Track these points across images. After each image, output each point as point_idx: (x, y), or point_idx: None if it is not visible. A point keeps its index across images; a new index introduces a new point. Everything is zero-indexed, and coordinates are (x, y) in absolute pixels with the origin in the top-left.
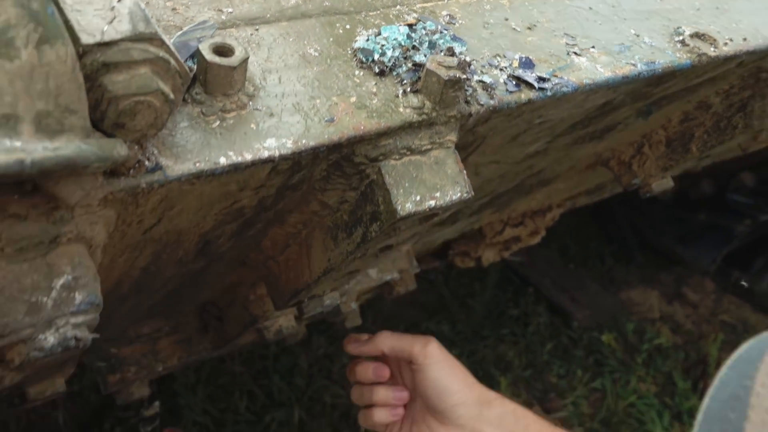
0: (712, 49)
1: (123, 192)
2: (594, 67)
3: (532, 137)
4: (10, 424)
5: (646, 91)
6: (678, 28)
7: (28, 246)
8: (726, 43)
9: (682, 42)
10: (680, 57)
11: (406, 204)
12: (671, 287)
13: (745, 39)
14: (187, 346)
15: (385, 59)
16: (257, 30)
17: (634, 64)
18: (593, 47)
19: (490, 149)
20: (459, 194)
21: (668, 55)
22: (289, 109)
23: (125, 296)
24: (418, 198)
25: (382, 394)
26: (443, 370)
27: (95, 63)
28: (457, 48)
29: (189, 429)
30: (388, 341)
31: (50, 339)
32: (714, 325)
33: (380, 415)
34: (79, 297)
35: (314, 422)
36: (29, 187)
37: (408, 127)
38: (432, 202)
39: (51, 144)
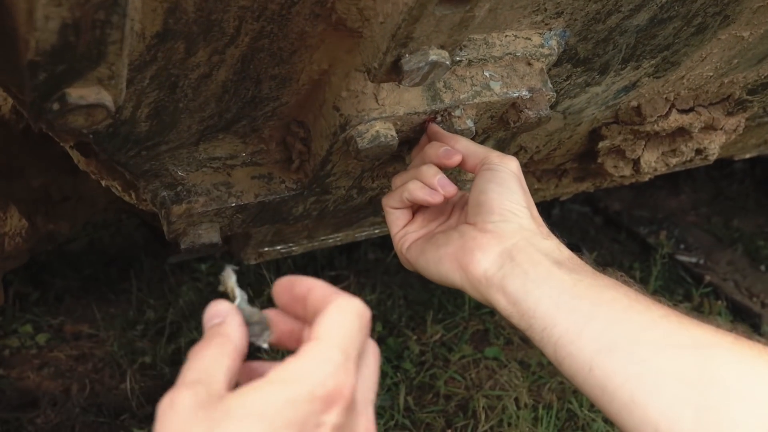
0: None
1: None
2: None
3: None
4: None
5: None
6: None
7: None
8: None
9: None
10: None
11: None
12: None
13: None
14: (267, 183)
15: None
16: None
17: None
18: None
19: None
20: None
21: None
22: None
23: (191, 32)
24: None
25: (428, 169)
26: (516, 180)
27: None
28: None
29: None
30: (465, 142)
31: None
32: None
33: (415, 186)
34: None
35: (423, 411)
36: None
37: None
38: None
39: None
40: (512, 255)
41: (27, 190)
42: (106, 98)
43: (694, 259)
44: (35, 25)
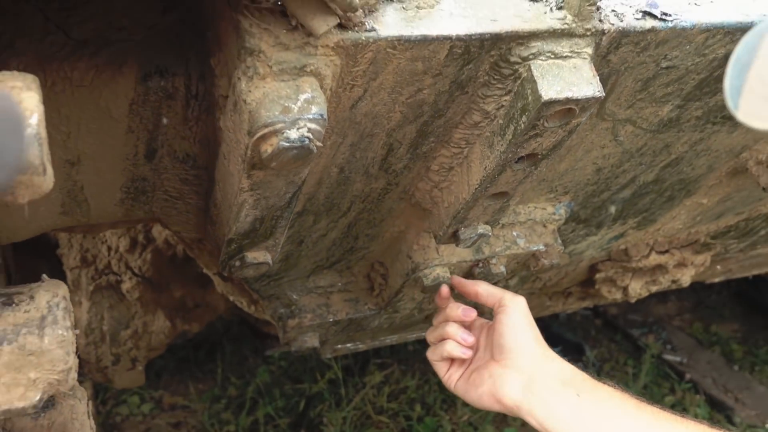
0: None
1: (349, 42)
2: (711, 13)
3: (662, 91)
4: None
5: None
6: None
7: (286, 69)
8: None
9: None
10: None
11: (549, 91)
12: None
13: None
14: (354, 305)
15: None
16: None
17: (747, 15)
18: (712, 1)
19: (625, 95)
20: (592, 92)
21: None
22: (465, 13)
23: (319, 211)
24: (558, 89)
25: (453, 329)
26: (523, 319)
27: None
28: None
29: None
30: (484, 286)
31: (293, 134)
32: None
33: (450, 347)
34: (314, 109)
35: None
36: (294, 22)
37: (553, 34)
38: (569, 94)
39: None
40: (531, 387)
41: (170, 300)
42: (269, 258)
43: (678, 359)
44: (238, 218)
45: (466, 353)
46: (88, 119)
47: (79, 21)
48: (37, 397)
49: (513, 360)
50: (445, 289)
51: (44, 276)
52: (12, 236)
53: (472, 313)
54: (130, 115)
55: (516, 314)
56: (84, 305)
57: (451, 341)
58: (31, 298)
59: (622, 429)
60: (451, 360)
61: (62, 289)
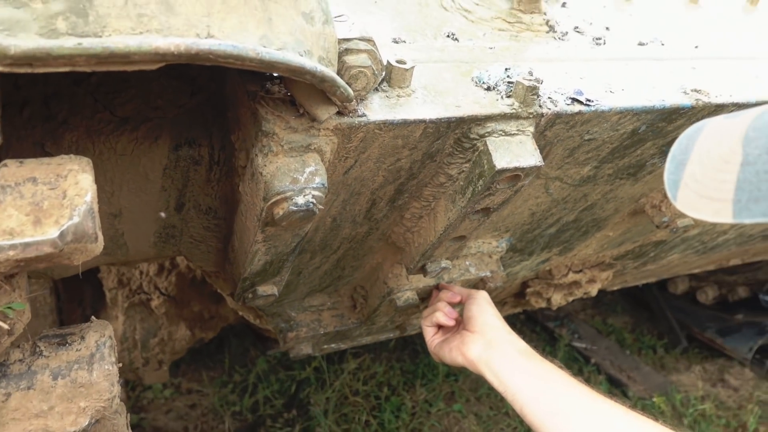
0: (705, 98)
1: (345, 125)
2: (623, 99)
3: (584, 156)
4: None
5: (662, 127)
6: (683, 85)
7: (295, 147)
8: (717, 96)
9: (685, 92)
10: (682, 100)
11: (501, 162)
12: (715, 374)
13: (731, 95)
14: (340, 319)
15: (491, 82)
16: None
17: (650, 100)
18: (623, 89)
19: (555, 160)
20: (534, 162)
21: (675, 98)
22: (435, 100)
23: (314, 250)
24: (508, 159)
25: (443, 304)
26: (487, 303)
27: (341, 45)
28: (535, 74)
29: None
30: (458, 287)
31: (300, 200)
32: (753, 402)
33: (438, 314)
34: (317, 179)
35: None
36: (301, 110)
37: (504, 117)
38: (517, 164)
39: (327, 69)
40: (491, 346)
41: (190, 313)
42: (275, 291)
43: (584, 345)
44: (252, 262)
45: (450, 321)
46: (129, 181)
47: (122, 102)
48: (86, 422)
49: (479, 327)
50: (435, 291)
51: (93, 318)
52: (63, 273)
53: (457, 297)
54: (163, 177)
55: (482, 300)
56: (120, 319)
57: (440, 312)
58: (82, 338)
59: (563, 390)
60: (438, 327)
61: (108, 330)
